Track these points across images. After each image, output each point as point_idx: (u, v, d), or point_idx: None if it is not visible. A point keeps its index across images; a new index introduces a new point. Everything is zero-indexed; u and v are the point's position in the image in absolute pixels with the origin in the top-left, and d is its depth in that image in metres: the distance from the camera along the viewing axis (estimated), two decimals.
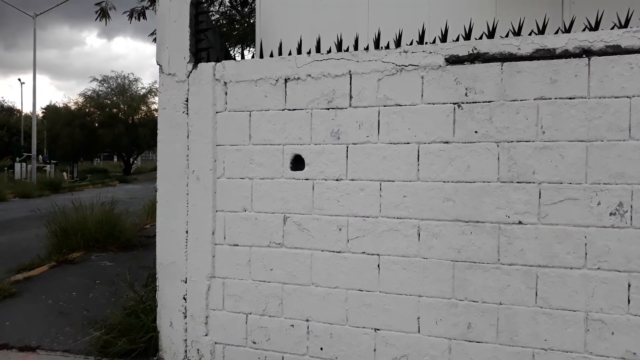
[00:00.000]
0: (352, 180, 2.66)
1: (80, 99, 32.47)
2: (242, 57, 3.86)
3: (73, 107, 32.64)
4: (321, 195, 2.72)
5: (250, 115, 2.87)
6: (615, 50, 2.24)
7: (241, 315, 2.89)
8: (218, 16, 8.58)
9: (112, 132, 29.65)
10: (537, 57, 2.35)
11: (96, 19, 8.09)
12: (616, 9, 2.65)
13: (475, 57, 2.45)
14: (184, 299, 3.00)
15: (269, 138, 2.82)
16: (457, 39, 2.68)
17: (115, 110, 31.70)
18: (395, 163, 2.58)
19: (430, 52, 2.53)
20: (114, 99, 32.05)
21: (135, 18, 8.37)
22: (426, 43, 2.64)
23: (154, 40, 4.97)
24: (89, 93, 31.98)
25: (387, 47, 2.72)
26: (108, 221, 6.71)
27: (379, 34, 2.90)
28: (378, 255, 2.61)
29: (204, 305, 2.95)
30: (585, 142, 2.29)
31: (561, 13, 3.44)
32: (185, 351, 3.00)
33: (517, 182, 2.39)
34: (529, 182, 2.37)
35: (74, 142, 29.40)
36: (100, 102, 31.64)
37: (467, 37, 2.68)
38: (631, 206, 2.23)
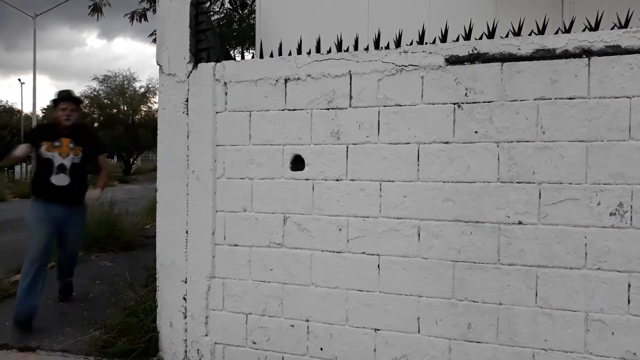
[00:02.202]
0: (352, 180, 2.66)
1: (81, 98, 32.45)
2: (242, 57, 3.86)
3: None
4: (321, 195, 2.72)
5: (250, 116, 2.87)
6: (615, 51, 2.24)
7: (241, 315, 2.89)
8: (218, 17, 8.58)
9: (111, 134, 29.66)
10: (537, 57, 2.35)
11: (89, 14, 8.10)
12: (616, 9, 2.65)
13: (475, 58, 2.45)
14: (184, 299, 3.00)
15: (269, 138, 2.82)
16: (457, 39, 2.68)
17: (115, 110, 31.71)
18: (395, 163, 2.58)
19: (430, 52, 2.53)
20: (114, 99, 32.05)
21: (137, 20, 8.38)
22: (426, 43, 2.64)
23: (154, 41, 4.98)
24: (89, 92, 31.99)
25: (387, 47, 2.72)
26: (108, 221, 6.71)
27: (379, 34, 2.90)
28: (378, 255, 2.61)
29: (204, 306, 2.95)
30: (585, 142, 2.29)
31: (561, 13, 3.44)
32: (185, 351, 3.00)
33: (517, 182, 2.39)
34: (529, 182, 2.37)
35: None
36: (100, 102, 31.63)
37: (467, 37, 2.68)
38: (631, 206, 2.23)
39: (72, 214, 3.79)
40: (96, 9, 7.99)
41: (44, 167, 3.67)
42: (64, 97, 3.80)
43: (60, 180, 3.67)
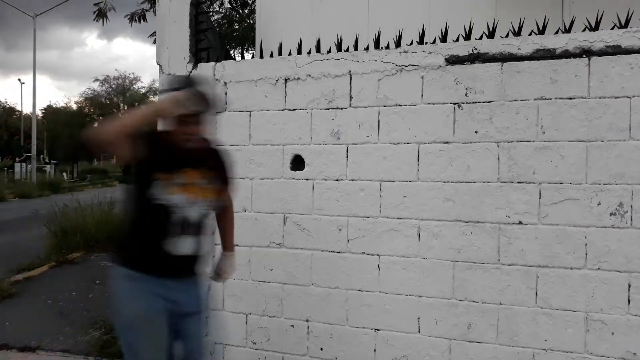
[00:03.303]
0: (352, 180, 2.66)
1: (81, 99, 32.57)
2: (242, 57, 3.86)
3: (74, 107, 32.78)
4: (321, 195, 2.72)
5: (250, 116, 2.87)
6: (616, 51, 2.24)
7: (241, 315, 2.89)
8: (218, 17, 8.58)
9: None
10: (537, 57, 2.35)
11: (94, 20, 8.10)
12: (616, 9, 2.65)
13: (475, 57, 2.45)
14: None
15: (269, 138, 2.82)
16: (457, 39, 2.68)
17: (115, 110, 31.77)
18: (395, 163, 2.58)
19: (430, 52, 2.52)
20: (114, 99, 32.09)
21: (136, 21, 8.38)
22: (426, 43, 2.64)
23: (154, 41, 4.97)
24: (89, 92, 32.05)
25: (387, 47, 2.72)
26: (108, 221, 6.71)
27: (379, 34, 2.90)
28: (378, 255, 2.61)
29: None
30: (586, 142, 2.29)
31: (561, 13, 3.44)
32: None
33: (517, 182, 2.39)
34: (529, 182, 2.37)
35: (74, 142, 29.44)
36: (100, 101, 31.67)
37: (467, 37, 2.68)
38: (631, 206, 2.22)
39: (195, 293, 2.14)
40: (101, 14, 7.99)
41: (156, 221, 1.93)
42: (199, 104, 1.90)
43: (184, 246, 1.97)
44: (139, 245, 1.97)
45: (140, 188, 1.93)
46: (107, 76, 32.37)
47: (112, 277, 2.00)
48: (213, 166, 2.08)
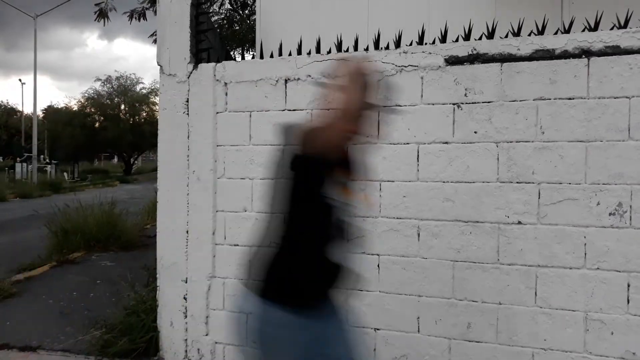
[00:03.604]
0: (352, 180, 2.66)
1: (82, 99, 32.63)
2: (243, 58, 3.86)
3: (75, 107, 32.85)
4: None
5: (250, 116, 2.88)
6: (615, 51, 2.25)
7: (242, 315, 2.89)
8: (218, 18, 8.59)
9: (117, 126, 29.92)
10: (536, 57, 2.36)
11: (95, 20, 8.11)
12: (615, 10, 2.65)
13: (475, 58, 2.46)
14: (185, 298, 3.01)
15: (269, 138, 2.83)
16: (457, 40, 2.69)
17: (116, 110, 31.82)
18: (394, 163, 2.59)
19: (430, 53, 2.53)
20: (116, 99, 32.13)
21: (136, 19, 8.38)
22: (426, 44, 2.65)
23: (154, 41, 4.97)
24: (91, 92, 32.11)
25: (387, 47, 2.73)
26: (109, 221, 6.72)
27: (378, 35, 2.91)
28: (378, 255, 2.62)
29: (205, 305, 2.95)
30: (585, 143, 2.29)
31: (560, 13, 3.45)
32: (186, 351, 3.01)
33: (517, 183, 2.39)
34: (528, 183, 2.37)
35: (75, 142, 29.47)
36: (101, 102, 31.72)
37: (467, 37, 2.69)
38: (630, 206, 2.23)
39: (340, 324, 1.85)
40: (102, 15, 8.01)
41: (322, 224, 1.72)
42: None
43: (341, 254, 1.74)
44: (295, 255, 1.76)
45: (306, 187, 1.70)
46: (109, 76, 32.43)
47: (251, 311, 1.87)
48: (355, 167, 1.90)
